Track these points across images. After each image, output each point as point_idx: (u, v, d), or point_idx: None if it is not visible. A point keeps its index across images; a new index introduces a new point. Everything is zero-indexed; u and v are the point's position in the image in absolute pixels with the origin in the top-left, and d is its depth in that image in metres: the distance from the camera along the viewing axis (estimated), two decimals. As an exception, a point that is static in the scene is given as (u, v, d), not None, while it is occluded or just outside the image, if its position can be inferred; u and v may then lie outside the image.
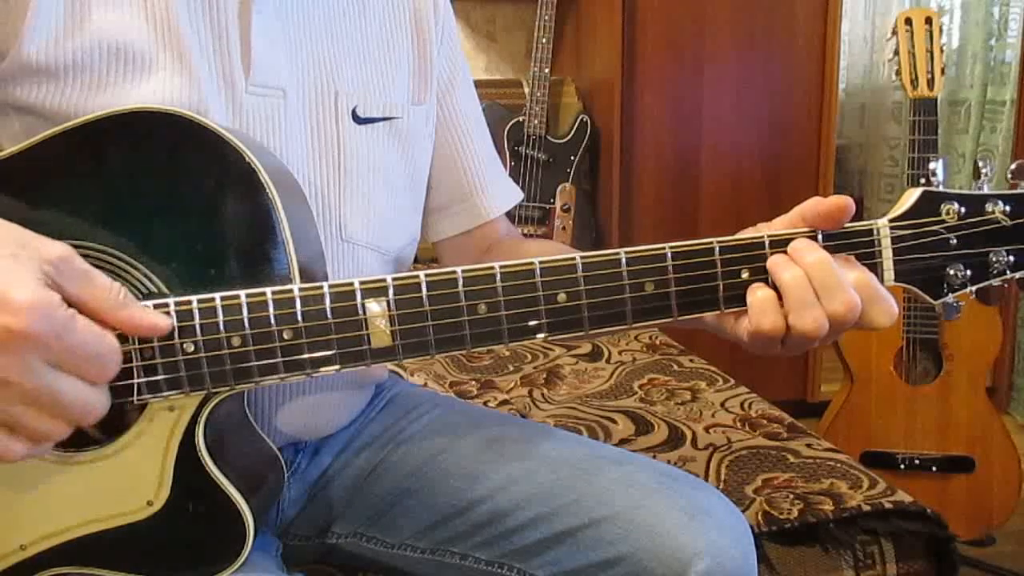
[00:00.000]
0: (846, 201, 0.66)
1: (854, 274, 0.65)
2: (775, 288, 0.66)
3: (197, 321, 0.62)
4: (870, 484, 1.14)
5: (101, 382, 0.59)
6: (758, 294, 0.66)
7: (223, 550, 0.67)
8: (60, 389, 0.56)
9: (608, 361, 1.71)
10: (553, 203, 2.43)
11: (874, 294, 0.66)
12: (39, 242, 0.57)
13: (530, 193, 2.42)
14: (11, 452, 0.57)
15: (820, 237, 0.66)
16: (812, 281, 0.64)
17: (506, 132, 2.42)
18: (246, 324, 0.63)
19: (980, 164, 0.69)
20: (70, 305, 0.56)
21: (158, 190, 0.65)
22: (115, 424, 0.64)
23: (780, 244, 0.66)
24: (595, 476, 0.80)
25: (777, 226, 0.68)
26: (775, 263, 0.66)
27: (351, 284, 0.64)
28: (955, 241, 0.67)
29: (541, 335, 0.65)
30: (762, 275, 0.66)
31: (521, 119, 2.43)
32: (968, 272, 0.67)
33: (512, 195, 1.00)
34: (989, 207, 0.67)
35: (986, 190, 0.68)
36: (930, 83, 1.79)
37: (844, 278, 0.64)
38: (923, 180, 0.69)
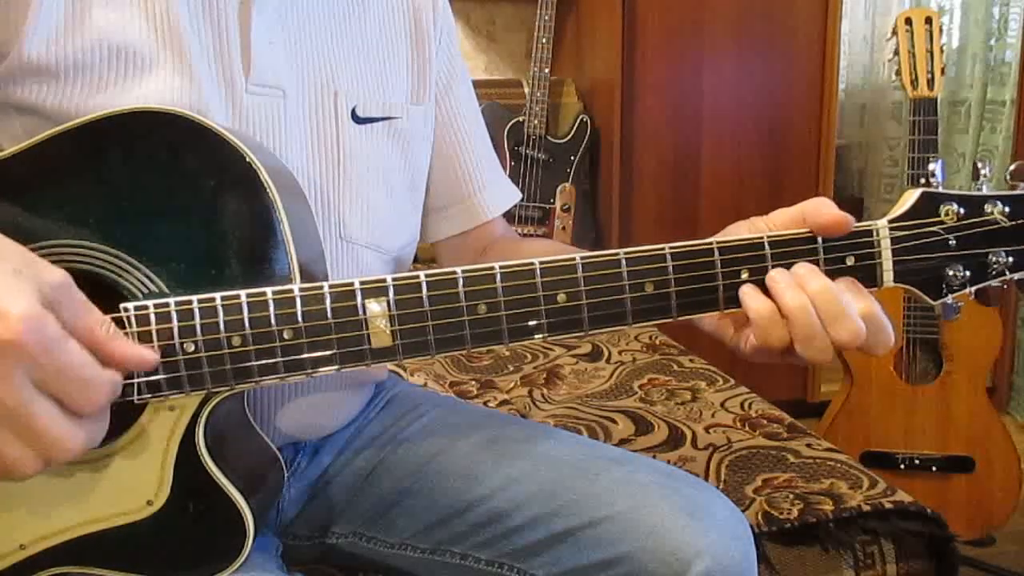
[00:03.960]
0: (847, 220, 0.65)
1: (862, 304, 0.65)
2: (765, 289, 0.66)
3: (197, 321, 0.62)
4: (870, 484, 1.14)
5: (85, 411, 0.56)
6: (760, 310, 0.65)
7: (223, 550, 0.67)
8: (36, 412, 0.54)
9: (608, 361, 1.71)
10: (553, 203, 2.43)
11: (879, 325, 0.65)
12: (40, 265, 0.56)
13: (530, 193, 2.42)
14: None
15: (820, 239, 0.66)
16: (818, 310, 0.64)
17: (506, 132, 2.42)
18: (246, 324, 0.63)
19: (979, 165, 0.69)
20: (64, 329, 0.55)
21: (158, 190, 0.65)
22: (115, 424, 0.64)
23: (779, 245, 0.66)
24: (595, 476, 0.80)
25: (776, 221, 0.68)
26: (775, 282, 0.65)
27: (351, 284, 0.64)
28: (954, 242, 0.67)
29: (541, 335, 0.65)
30: (761, 275, 0.66)
31: (521, 119, 2.43)
32: (967, 273, 0.67)
33: (510, 196, 1.00)
34: (988, 208, 0.67)
35: (985, 191, 0.68)
36: (930, 83, 1.79)
37: (849, 307, 0.64)
38: (923, 180, 0.69)
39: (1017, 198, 0.67)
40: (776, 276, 0.65)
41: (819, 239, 0.66)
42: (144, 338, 0.62)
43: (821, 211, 0.66)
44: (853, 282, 0.66)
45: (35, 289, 0.54)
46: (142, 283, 0.64)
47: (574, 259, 0.65)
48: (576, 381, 1.60)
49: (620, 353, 1.74)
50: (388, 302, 0.64)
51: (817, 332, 0.64)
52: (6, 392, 0.53)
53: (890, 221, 0.67)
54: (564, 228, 2.43)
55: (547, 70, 2.41)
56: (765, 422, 1.37)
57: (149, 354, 0.60)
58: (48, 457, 0.55)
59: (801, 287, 0.64)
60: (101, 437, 0.59)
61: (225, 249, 0.65)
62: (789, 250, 0.66)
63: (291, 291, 0.63)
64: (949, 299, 0.68)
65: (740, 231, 0.68)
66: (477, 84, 1.01)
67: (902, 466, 1.89)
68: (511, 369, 1.68)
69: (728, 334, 0.70)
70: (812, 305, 0.64)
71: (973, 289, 0.68)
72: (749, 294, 0.65)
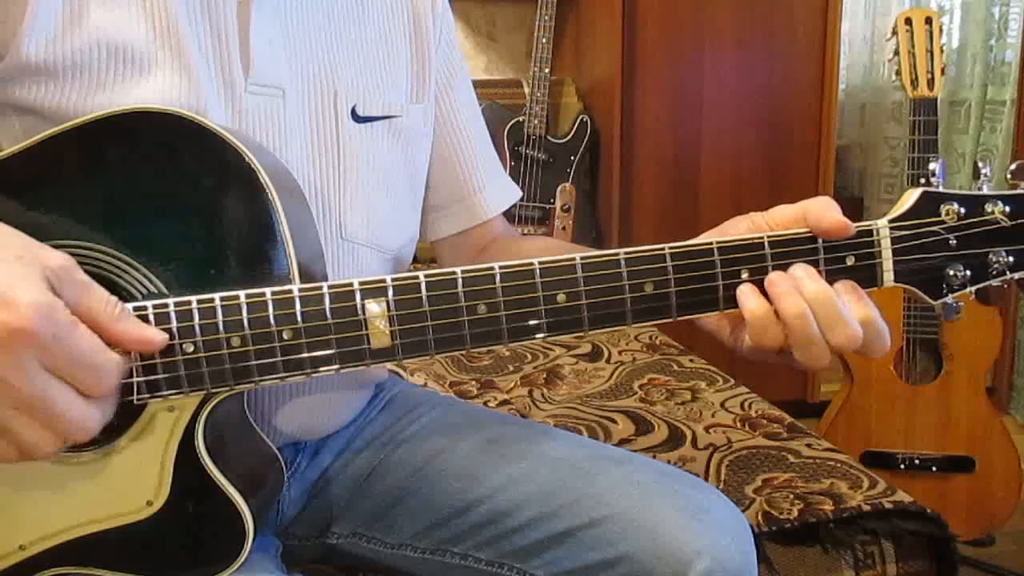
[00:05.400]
0: (849, 226, 0.65)
1: (860, 309, 0.65)
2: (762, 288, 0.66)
3: (197, 321, 0.62)
4: (870, 484, 1.14)
5: (96, 395, 0.57)
6: (755, 310, 0.65)
7: (223, 550, 0.67)
8: (53, 397, 0.55)
9: (608, 361, 1.71)
10: (553, 203, 2.43)
11: (876, 330, 0.65)
12: (41, 250, 0.57)
13: (530, 193, 2.42)
14: None
15: (820, 240, 0.66)
16: (815, 315, 0.64)
17: (506, 132, 2.42)
18: (246, 324, 0.62)
19: (980, 164, 0.69)
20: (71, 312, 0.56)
21: (157, 190, 0.65)
22: (115, 424, 0.64)
23: (779, 245, 0.66)
24: (595, 476, 0.80)
25: (777, 218, 0.68)
26: (774, 286, 0.65)
27: (350, 284, 0.64)
28: (955, 241, 0.67)
29: (541, 335, 0.65)
30: (761, 275, 0.66)
31: (521, 119, 2.43)
32: (967, 272, 0.67)
33: (510, 194, 1.00)
34: (989, 207, 0.67)
35: (986, 190, 0.68)
36: (930, 83, 1.79)
37: (846, 312, 0.64)
38: (923, 180, 0.69)
39: (1018, 197, 0.67)
40: (775, 279, 0.65)
41: (819, 239, 0.66)
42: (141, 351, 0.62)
43: (824, 215, 0.65)
44: (853, 286, 0.66)
45: (40, 275, 0.55)
46: (141, 283, 0.64)
47: (574, 259, 0.65)
48: (576, 381, 1.60)
49: (620, 353, 1.74)
50: (387, 302, 0.64)
51: (815, 338, 0.64)
52: (22, 381, 0.53)
53: (890, 221, 0.67)
54: (564, 228, 2.43)
55: (547, 70, 2.41)
56: (765, 422, 1.37)
57: (156, 335, 0.61)
58: (67, 438, 0.57)
59: (799, 291, 0.64)
60: (113, 412, 0.60)
61: (224, 249, 0.64)
62: (789, 250, 0.66)
63: (290, 291, 0.63)
64: (949, 299, 0.68)
65: (739, 226, 0.68)
66: (477, 84, 1.01)
67: (902, 466, 1.89)
68: (511, 369, 1.68)
69: (726, 333, 0.70)
70: (810, 310, 0.64)
71: (973, 289, 0.68)
72: (746, 294, 0.65)
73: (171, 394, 0.63)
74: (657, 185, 2.47)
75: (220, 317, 0.62)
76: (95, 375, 0.56)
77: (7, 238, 0.57)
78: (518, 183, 2.35)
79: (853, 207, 3.12)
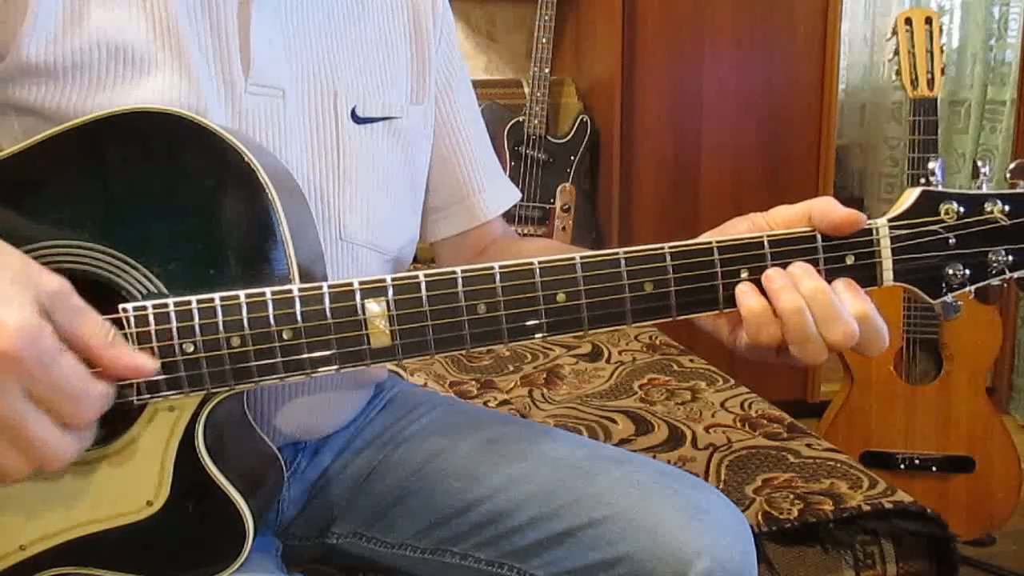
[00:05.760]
0: (859, 217, 0.65)
1: (857, 305, 0.65)
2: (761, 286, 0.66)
3: (196, 321, 0.62)
4: (870, 484, 1.14)
5: (74, 425, 0.56)
6: (752, 307, 0.65)
7: (223, 550, 0.67)
8: (30, 424, 0.54)
9: (608, 361, 1.71)
10: (553, 203, 2.43)
11: (873, 327, 0.65)
12: (38, 273, 0.56)
13: (530, 193, 2.42)
14: None
15: (819, 238, 0.66)
16: (812, 311, 0.64)
17: (506, 132, 2.42)
18: (245, 324, 0.62)
19: (979, 164, 0.69)
20: (61, 339, 0.55)
21: (157, 190, 0.65)
22: (115, 424, 0.64)
23: (779, 244, 0.66)
24: (595, 476, 0.80)
25: (777, 218, 0.68)
26: (771, 281, 0.65)
27: (350, 284, 0.64)
28: (954, 241, 0.67)
29: (540, 335, 0.65)
30: (760, 275, 0.66)
31: (521, 119, 2.43)
32: (967, 272, 0.67)
33: (509, 196, 1.00)
34: (988, 207, 0.67)
35: (985, 190, 0.68)
36: (930, 83, 1.79)
37: (843, 309, 0.64)
38: (923, 180, 0.69)
39: (1017, 196, 0.67)
40: (772, 275, 0.65)
41: (819, 238, 0.66)
42: (143, 339, 0.62)
43: (833, 210, 0.66)
44: (850, 283, 0.66)
45: (32, 298, 0.54)
46: (141, 283, 0.64)
47: (573, 259, 0.65)
48: (576, 381, 1.60)
49: (620, 353, 1.74)
50: (387, 302, 0.64)
51: (811, 334, 0.64)
52: (1, 404, 0.53)
53: (890, 220, 0.67)
54: (564, 228, 2.43)
55: (547, 70, 2.41)
56: (765, 422, 1.37)
57: (147, 363, 0.60)
58: (40, 464, 0.56)
59: (796, 287, 0.64)
60: (90, 442, 0.59)
61: (224, 249, 0.64)
62: (788, 249, 0.66)
63: (290, 291, 0.63)
64: (949, 298, 0.68)
65: (739, 227, 0.68)
66: (477, 84, 1.01)
67: (902, 466, 1.89)
68: (511, 369, 1.68)
69: (724, 332, 0.70)
70: (807, 306, 0.64)
71: (973, 288, 0.68)
72: (745, 292, 0.66)
73: (171, 394, 0.63)
74: (657, 185, 2.47)
75: (220, 317, 0.62)
76: (76, 406, 0.55)
77: (4, 259, 0.56)
78: (518, 183, 2.35)
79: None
